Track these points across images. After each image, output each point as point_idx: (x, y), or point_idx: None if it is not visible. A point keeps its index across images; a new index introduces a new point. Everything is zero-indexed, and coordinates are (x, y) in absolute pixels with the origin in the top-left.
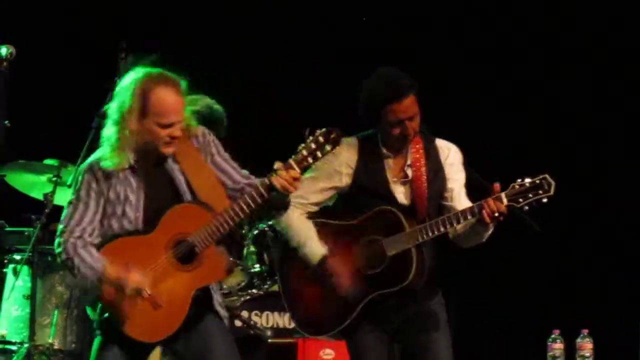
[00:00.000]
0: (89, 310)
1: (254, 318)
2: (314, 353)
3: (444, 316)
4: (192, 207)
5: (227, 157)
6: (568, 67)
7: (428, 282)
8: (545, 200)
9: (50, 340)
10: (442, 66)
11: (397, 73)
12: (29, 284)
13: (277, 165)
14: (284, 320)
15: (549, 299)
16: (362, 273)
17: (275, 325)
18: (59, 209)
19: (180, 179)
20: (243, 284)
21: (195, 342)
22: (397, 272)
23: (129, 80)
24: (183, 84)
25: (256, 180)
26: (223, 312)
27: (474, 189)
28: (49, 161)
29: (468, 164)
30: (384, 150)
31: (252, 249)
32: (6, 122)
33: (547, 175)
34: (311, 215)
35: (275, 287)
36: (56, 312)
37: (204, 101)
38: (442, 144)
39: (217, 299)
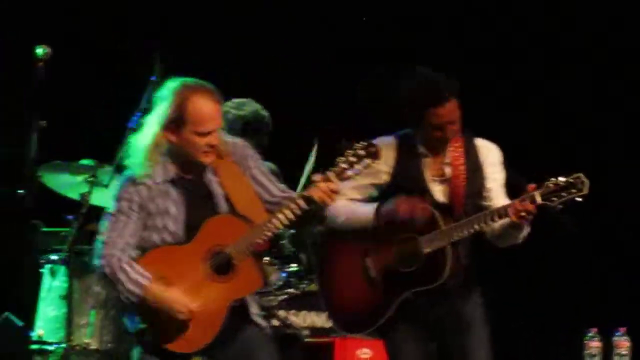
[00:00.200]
0: (126, 322)
1: (291, 317)
2: (351, 352)
3: (481, 315)
4: (230, 218)
5: (265, 171)
6: (568, 67)
7: (464, 280)
8: (579, 199)
9: (86, 341)
10: (442, 66)
11: (438, 76)
12: (66, 284)
13: (316, 177)
14: (320, 319)
15: (586, 297)
16: (397, 270)
17: (312, 325)
18: (95, 209)
19: (218, 191)
20: (280, 283)
21: (235, 351)
22: (432, 270)
23: (165, 91)
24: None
25: (293, 194)
26: (262, 322)
27: (513, 188)
28: (84, 161)
29: (507, 163)
30: (422, 150)
31: (289, 248)
32: (42, 122)
33: (581, 174)
34: None
35: (312, 287)
36: (93, 312)
37: (251, 106)
38: (481, 144)
39: (252, 311)
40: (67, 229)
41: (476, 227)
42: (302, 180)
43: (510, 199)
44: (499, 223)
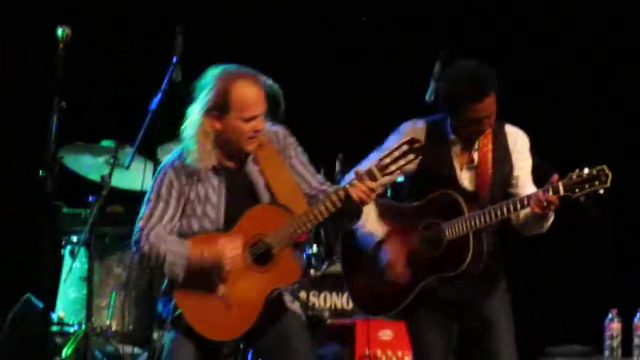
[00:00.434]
0: (160, 307)
1: (312, 299)
2: (372, 334)
3: (506, 301)
4: (271, 208)
5: (305, 161)
6: (568, 67)
7: (488, 267)
8: (601, 191)
9: (107, 322)
10: None
11: (480, 70)
12: (86, 266)
13: (356, 174)
14: (342, 301)
15: (606, 278)
16: (421, 256)
17: (333, 307)
18: (116, 190)
19: (259, 181)
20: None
21: (272, 338)
22: (454, 257)
23: (207, 78)
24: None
25: (331, 189)
26: (297, 309)
27: (541, 176)
28: (105, 142)
29: (534, 151)
30: (453, 137)
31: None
32: (62, 103)
33: (604, 167)
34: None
35: (333, 268)
36: (113, 293)
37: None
38: (511, 130)
39: (287, 298)
40: (88, 211)
41: (499, 215)
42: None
43: (537, 187)
44: (522, 212)
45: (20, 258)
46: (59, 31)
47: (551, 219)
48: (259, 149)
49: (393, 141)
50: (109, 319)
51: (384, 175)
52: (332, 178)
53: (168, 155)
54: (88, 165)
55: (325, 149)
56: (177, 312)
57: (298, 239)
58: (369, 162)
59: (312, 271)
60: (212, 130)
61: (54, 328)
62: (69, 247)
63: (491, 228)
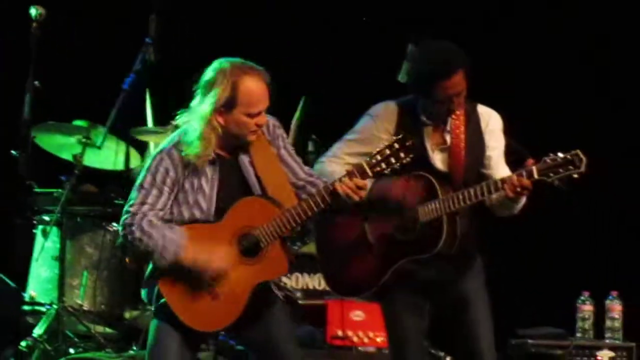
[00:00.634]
0: (144, 294)
1: (284, 279)
2: (344, 315)
3: (481, 280)
4: (260, 201)
5: (292, 152)
6: (567, 66)
7: (463, 249)
8: (575, 176)
9: (79, 302)
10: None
11: (449, 49)
12: (58, 245)
13: (347, 171)
14: (313, 282)
15: (579, 260)
16: (395, 238)
17: (305, 287)
18: (89, 170)
19: (250, 172)
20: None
21: (258, 328)
22: (428, 239)
23: (212, 73)
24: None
25: (318, 180)
26: (278, 292)
27: (516, 160)
28: (78, 122)
29: (508, 132)
30: (424, 119)
31: None
32: (36, 82)
33: (579, 151)
34: None
35: (305, 249)
36: (85, 273)
37: None
38: (483, 111)
39: (274, 289)
40: (60, 190)
41: (472, 198)
42: (291, 135)
43: (511, 169)
44: (495, 195)
45: None
46: (33, 11)
47: (522, 202)
48: (252, 142)
49: (364, 124)
50: (80, 299)
51: (375, 173)
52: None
53: (142, 136)
54: (60, 144)
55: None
56: (162, 301)
57: (286, 233)
58: (339, 148)
59: None
60: (218, 125)
61: (26, 307)
62: (41, 227)
63: (465, 209)
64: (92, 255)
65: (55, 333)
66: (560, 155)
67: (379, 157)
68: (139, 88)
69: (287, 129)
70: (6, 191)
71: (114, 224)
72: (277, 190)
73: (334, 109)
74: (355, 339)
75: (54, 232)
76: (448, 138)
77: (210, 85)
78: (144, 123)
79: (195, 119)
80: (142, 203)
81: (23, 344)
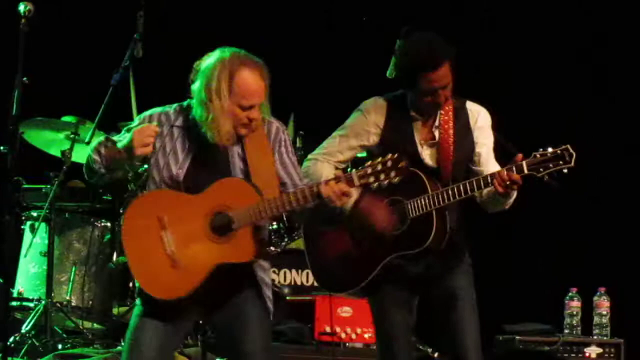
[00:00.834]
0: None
1: (272, 276)
2: (332, 311)
3: (469, 276)
4: (243, 184)
5: (295, 160)
6: (558, 62)
7: (452, 244)
8: (565, 171)
9: (67, 297)
10: None
11: (434, 40)
12: (47, 241)
13: (335, 175)
14: (301, 277)
15: (567, 256)
16: (384, 233)
17: (292, 283)
18: (77, 166)
19: (236, 162)
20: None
21: (229, 318)
22: (417, 235)
23: (214, 60)
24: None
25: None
26: (269, 304)
27: (505, 155)
28: (67, 118)
29: (497, 129)
30: (413, 113)
31: None
32: (24, 78)
33: (568, 146)
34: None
35: (293, 245)
36: (73, 269)
37: None
38: (472, 107)
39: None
40: (49, 186)
41: (462, 194)
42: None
43: (501, 165)
44: (486, 190)
45: None
46: (21, 6)
47: (513, 197)
48: (249, 135)
49: (355, 119)
50: (68, 294)
51: (362, 184)
52: None
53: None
54: (49, 140)
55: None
56: (122, 259)
57: (260, 221)
58: (330, 144)
59: (272, 248)
60: (214, 110)
61: (14, 303)
62: (29, 222)
63: (454, 205)
64: (81, 251)
65: (43, 329)
66: (550, 150)
67: (369, 170)
68: (126, 84)
69: None
70: None
71: (103, 219)
72: (263, 183)
73: (322, 104)
74: (343, 335)
75: (42, 227)
76: (437, 133)
77: (209, 71)
78: (132, 119)
79: (197, 104)
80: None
81: (11, 339)
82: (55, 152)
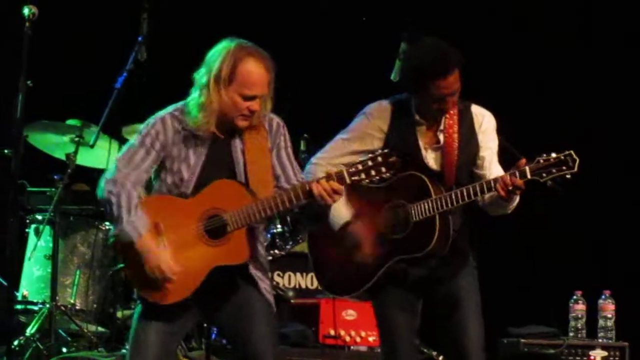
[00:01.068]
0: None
1: (276, 279)
2: (336, 314)
3: (473, 284)
4: (236, 185)
5: (292, 157)
6: (562, 66)
7: (456, 247)
8: (568, 176)
9: (71, 300)
10: None
11: (445, 47)
12: (51, 244)
13: (327, 173)
14: (306, 280)
15: (571, 259)
16: (387, 237)
17: (297, 286)
18: (81, 169)
19: (239, 159)
20: (265, 244)
21: (234, 317)
22: (420, 238)
23: (220, 47)
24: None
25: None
26: (269, 297)
27: (508, 159)
28: (71, 121)
29: (500, 132)
30: (417, 117)
31: None
32: (29, 82)
33: (572, 152)
34: None
35: (297, 248)
36: (78, 272)
37: None
38: (477, 111)
39: (262, 284)
40: (53, 189)
41: (465, 198)
42: None
43: (504, 169)
44: (488, 194)
45: None
46: (25, 10)
47: (516, 201)
48: (249, 130)
49: (358, 122)
50: (73, 298)
51: (353, 182)
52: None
53: (134, 135)
54: (53, 143)
55: (290, 128)
56: (120, 265)
57: (254, 222)
58: (332, 148)
59: (276, 251)
60: (212, 97)
61: (19, 306)
62: (33, 226)
63: (457, 208)
64: (85, 254)
65: (47, 332)
66: (554, 155)
67: (360, 167)
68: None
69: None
70: None
71: (107, 223)
72: (259, 184)
73: (326, 107)
74: (347, 338)
75: (47, 231)
76: (441, 137)
77: (213, 57)
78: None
79: (195, 89)
80: (129, 160)
81: (15, 343)
82: (59, 155)
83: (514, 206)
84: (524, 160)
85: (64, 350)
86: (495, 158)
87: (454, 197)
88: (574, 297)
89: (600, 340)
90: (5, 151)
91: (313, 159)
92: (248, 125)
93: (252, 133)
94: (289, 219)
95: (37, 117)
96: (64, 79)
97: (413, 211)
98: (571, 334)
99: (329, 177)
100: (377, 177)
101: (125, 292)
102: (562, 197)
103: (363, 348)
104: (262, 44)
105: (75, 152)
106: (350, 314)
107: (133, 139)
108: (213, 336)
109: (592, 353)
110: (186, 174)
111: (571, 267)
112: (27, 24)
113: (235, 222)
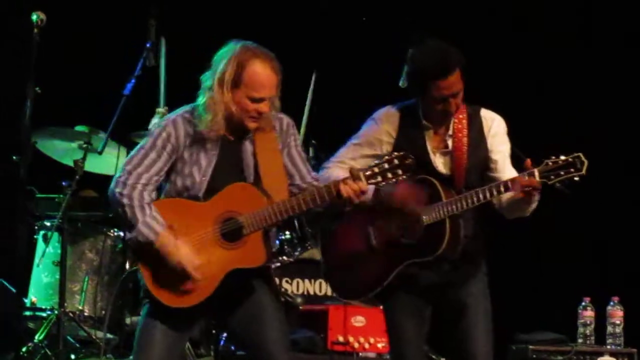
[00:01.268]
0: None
1: (285, 285)
2: (345, 320)
3: (484, 285)
4: (251, 188)
5: (303, 154)
6: (569, 69)
7: (467, 253)
8: (577, 178)
9: (80, 307)
10: None
11: (445, 48)
12: (59, 251)
13: (351, 173)
14: (314, 287)
15: (580, 266)
16: (398, 241)
17: (305, 292)
18: (89, 175)
19: (249, 161)
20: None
21: (244, 319)
22: (431, 242)
23: (227, 49)
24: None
25: (321, 184)
26: (274, 292)
27: (513, 162)
28: (79, 128)
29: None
30: (425, 122)
31: None
32: (37, 88)
33: (580, 154)
34: None
35: (306, 255)
36: (86, 278)
37: None
38: (486, 115)
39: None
40: (61, 195)
41: (475, 201)
42: (304, 118)
43: (516, 170)
44: (506, 196)
45: None
46: (34, 16)
47: (535, 203)
48: (259, 132)
49: (368, 128)
50: (81, 304)
51: (369, 184)
52: None
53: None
54: (61, 150)
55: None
56: (135, 267)
57: (271, 225)
58: (344, 152)
59: (284, 257)
60: (219, 99)
61: (27, 313)
62: (42, 232)
63: (469, 213)
64: (93, 261)
65: (56, 338)
66: (562, 157)
67: (376, 170)
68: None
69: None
70: (7, 196)
71: (115, 229)
72: (273, 185)
73: (335, 114)
74: (356, 344)
75: (55, 237)
76: (450, 142)
77: (220, 61)
78: (144, 128)
79: (203, 92)
80: (139, 164)
81: (24, 349)
82: (67, 161)
83: (534, 208)
84: (529, 161)
85: (72, 356)
86: (507, 161)
87: (465, 200)
88: (583, 303)
89: (608, 347)
90: (14, 158)
91: (325, 164)
92: (257, 126)
93: (262, 134)
94: (297, 225)
95: (45, 123)
96: (72, 86)
97: (424, 215)
98: (580, 341)
99: (355, 177)
100: (394, 180)
101: (134, 298)
102: (569, 198)
103: (372, 354)
104: (271, 47)
105: (84, 159)
106: (359, 321)
107: (144, 141)
108: (222, 342)
109: (601, 359)
110: (197, 176)
111: (580, 274)
112: (35, 30)
113: (252, 224)
